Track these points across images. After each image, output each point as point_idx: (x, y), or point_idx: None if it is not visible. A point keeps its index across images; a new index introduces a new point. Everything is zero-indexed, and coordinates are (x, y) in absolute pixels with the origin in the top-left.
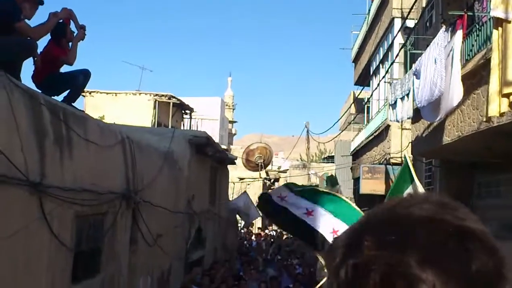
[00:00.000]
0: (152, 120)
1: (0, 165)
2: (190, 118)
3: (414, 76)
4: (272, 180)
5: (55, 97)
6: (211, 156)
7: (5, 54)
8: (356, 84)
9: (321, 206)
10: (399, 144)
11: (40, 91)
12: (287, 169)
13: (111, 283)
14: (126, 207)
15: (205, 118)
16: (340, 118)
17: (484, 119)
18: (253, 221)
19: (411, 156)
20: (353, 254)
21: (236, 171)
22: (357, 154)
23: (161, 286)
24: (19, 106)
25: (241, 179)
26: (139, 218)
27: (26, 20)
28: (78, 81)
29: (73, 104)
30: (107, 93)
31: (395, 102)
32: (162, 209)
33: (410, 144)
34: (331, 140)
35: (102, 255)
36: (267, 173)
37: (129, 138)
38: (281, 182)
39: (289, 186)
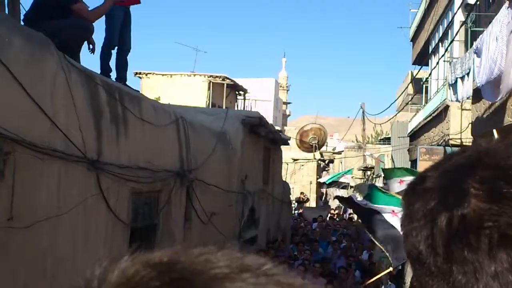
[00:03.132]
0: (206, 101)
1: (59, 143)
2: (244, 99)
3: (475, 55)
4: (326, 161)
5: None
6: (264, 137)
7: (63, 36)
8: (414, 63)
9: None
10: (459, 125)
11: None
12: (342, 151)
13: None
14: (180, 185)
15: (259, 99)
16: (397, 98)
17: None
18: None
19: (471, 137)
20: (456, 202)
21: (290, 152)
22: (414, 136)
23: None
24: (76, 86)
25: (294, 160)
26: (193, 196)
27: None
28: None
29: (126, 83)
30: (163, 75)
31: (455, 82)
32: (215, 188)
33: (470, 125)
34: (387, 121)
35: (157, 231)
36: (321, 154)
37: (183, 118)
38: (336, 163)
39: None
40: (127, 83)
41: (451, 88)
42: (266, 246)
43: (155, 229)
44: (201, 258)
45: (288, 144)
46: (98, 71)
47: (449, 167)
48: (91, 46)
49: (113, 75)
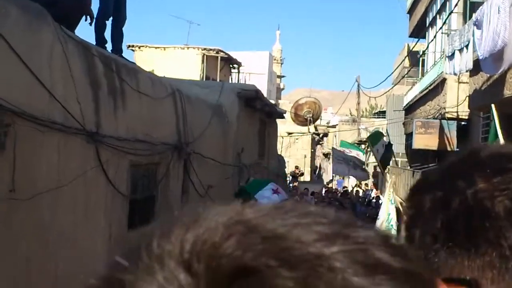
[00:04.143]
0: (200, 75)
1: (58, 115)
2: (238, 72)
3: (475, 27)
4: (321, 135)
5: None
6: (259, 110)
7: (60, 7)
8: (411, 36)
9: None
10: (455, 98)
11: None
12: (336, 124)
13: None
14: (178, 158)
15: (253, 73)
16: (393, 72)
17: None
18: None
19: (468, 110)
20: (465, 184)
21: (284, 126)
22: (410, 109)
23: None
24: (73, 57)
25: (289, 133)
26: (190, 169)
27: None
28: None
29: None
30: (156, 48)
31: (453, 54)
32: (212, 161)
33: (467, 98)
34: (383, 95)
35: (156, 203)
36: (315, 128)
37: (179, 90)
38: (330, 137)
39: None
40: (122, 55)
41: (448, 60)
42: None
43: (153, 201)
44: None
45: (283, 117)
46: (93, 43)
47: (450, 162)
48: (88, 19)
49: (108, 47)
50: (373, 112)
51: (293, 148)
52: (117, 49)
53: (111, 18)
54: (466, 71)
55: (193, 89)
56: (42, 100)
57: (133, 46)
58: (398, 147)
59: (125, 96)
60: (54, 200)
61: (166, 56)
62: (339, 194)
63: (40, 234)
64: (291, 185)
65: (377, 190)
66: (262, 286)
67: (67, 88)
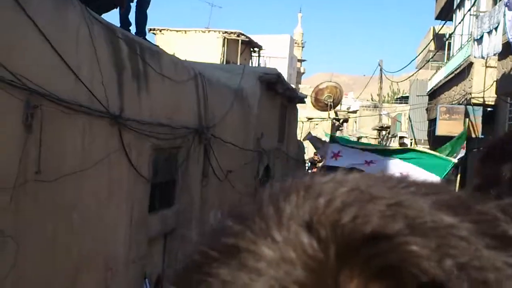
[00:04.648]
0: (220, 58)
1: (83, 97)
2: (259, 56)
3: (506, 8)
4: (341, 121)
5: None
6: (281, 94)
7: None
8: (437, 18)
9: (386, 155)
10: (482, 83)
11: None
12: (357, 110)
13: (185, 214)
14: (198, 142)
15: (274, 56)
16: (418, 55)
17: None
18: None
19: (495, 96)
20: None
21: (304, 111)
22: (434, 94)
23: None
24: (99, 39)
25: (309, 118)
26: (210, 154)
27: None
28: None
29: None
30: (177, 31)
31: (481, 37)
32: (232, 146)
33: (494, 82)
34: (406, 79)
35: (176, 187)
36: (336, 113)
37: (201, 74)
38: (351, 122)
39: (336, 140)
40: (146, 38)
41: (476, 43)
42: None
43: (174, 185)
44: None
45: (304, 102)
46: (118, 25)
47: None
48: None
49: (132, 29)
50: (395, 97)
51: (313, 134)
52: (141, 31)
53: (135, 0)
54: (495, 55)
55: (215, 72)
56: (68, 82)
57: (154, 29)
58: (420, 134)
59: (149, 79)
60: (78, 182)
61: (187, 39)
62: None
63: (65, 215)
64: (309, 171)
65: None
66: (395, 253)
67: (92, 71)
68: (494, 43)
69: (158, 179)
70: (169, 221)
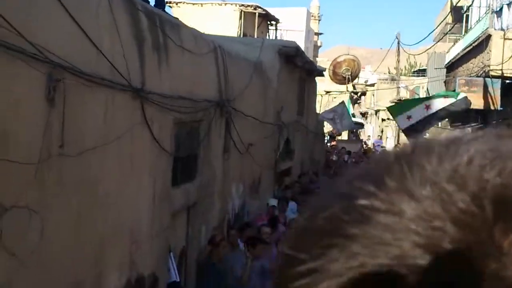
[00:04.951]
0: (237, 32)
1: (105, 70)
2: (276, 29)
3: None
4: (359, 94)
5: None
6: (299, 67)
7: None
8: None
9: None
10: (501, 56)
11: None
12: (375, 83)
13: (207, 188)
14: (219, 115)
15: (290, 30)
16: (435, 28)
17: None
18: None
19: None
20: None
21: (322, 84)
22: (452, 67)
23: (251, 194)
24: (119, 10)
25: (327, 92)
26: (231, 127)
27: None
28: None
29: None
30: (193, 4)
31: (501, 9)
32: (252, 119)
33: None
34: (424, 52)
35: (198, 161)
36: (354, 86)
37: (221, 47)
38: (368, 96)
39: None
40: (165, 10)
41: (495, 15)
42: (298, 177)
43: (196, 159)
44: None
45: (323, 75)
46: None
47: None
48: None
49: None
50: (412, 70)
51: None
52: (160, 3)
53: None
54: None
55: (233, 46)
56: (90, 55)
57: (170, 2)
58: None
59: (169, 52)
60: (101, 156)
61: (203, 12)
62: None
63: (89, 190)
64: (328, 144)
65: None
66: None
67: (113, 43)
68: None
69: (181, 153)
70: (192, 195)
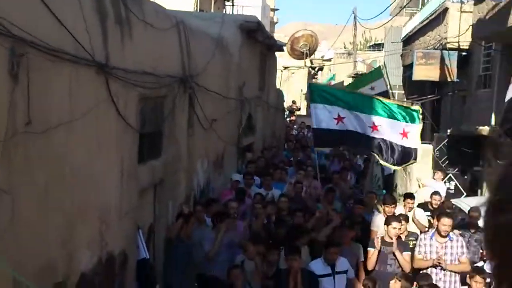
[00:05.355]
0: (194, 7)
1: (68, 45)
2: (232, 5)
3: None
4: (316, 69)
5: None
6: (260, 42)
7: None
8: None
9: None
10: (457, 28)
11: None
12: (331, 58)
13: (173, 164)
14: (183, 91)
15: (247, 6)
16: (392, 3)
17: None
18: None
19: (469, 40)
20: None
21: (281, 59)
22: (408, 41)
23: (216, 169)
24: None
25: (285, 67)
26: (195, 103)
27: None
28: None
29: None
30: None
31: None
32: (215, 95)
33: (470, 27)
34: (381, 26)
35: (163, 137)
36: (311, 61)
37: (183, 22)
38: (325, 71)
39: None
40: None
41: None
42: (260, 152)
43: (160, 135)
44: None
45: (283, 50)
46: None
47: None
48: None
49: None
50: (368, 45)
51: (290, 82)
52: None
53: None
54: None
55: (194, 21)
56: (53, 29)
57: None
58: (395, 79)
59: (132, 26)
60: (67, 133)
61: None
62: None
63: (56, 167)
64: (288, 119)
65: None
66: None
67: (76, 18)
68: None
69: (146, 129)
70: (158, 172)
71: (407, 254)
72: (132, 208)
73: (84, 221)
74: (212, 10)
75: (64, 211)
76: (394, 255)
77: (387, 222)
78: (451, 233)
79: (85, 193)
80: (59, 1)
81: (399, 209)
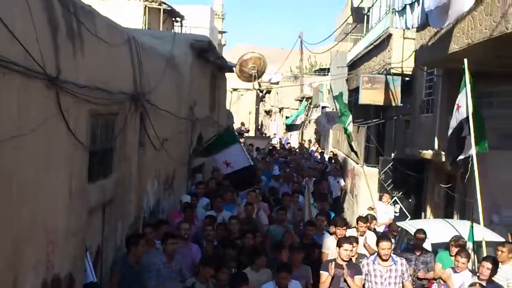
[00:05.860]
0: (142, 27)
1: (19, 56)
2: (181, 26)
3: None
4: (264, 92)
5: None
6: (211, 62)
7: None
8: None
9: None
10: (400, 54)
11: None
12: (278, 81)
13: (123, 183)
14: (135, 109)
15: (195, 27)
16: (337, 29)
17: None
18: None
19: (412, 66)
20: None
21: (229, 81)
22: (354, 65)
23: (166, 190)
24: None
25: (234, 89)
26: (146, 121)
27: None
28: None
29: None
30: None
31: (403, 8)
32: (167, 114)
33: (413, 53)
34: (326, 51)
35: (114, 155)
36: (259, 84)
37: (135, 38)
38: (272, 94)
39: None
40: None
41: (398, 15)
42: (211, 173)
43: (111, 153)
44: None
45: (233, 71)
46: None
47: None
48: None
49: None
50: (314, 69)
51: (239, 105)
52: None
53: None
54: (418, 26)
55: (145, 38)
56: (2, 39)
57: None
58: None
59: (83, 40)
60: (16, 148)
61: (105, 7)
62: (284, 150)
63: (4, 185)
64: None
65: (319, 146)
66: None
67: (27, 28)
68: (417, 15)
69: (96, 146)
70: (108, 191)
71: (359, 278)
72: (80, 228)
73: (31, 242)
74: (160, 30)
75: (11, 231)
76: (345, 280)
77: (339, 244)
78: (394, 256)
79: (33, 213)
80: (8, 10)
81: (349, 231)
